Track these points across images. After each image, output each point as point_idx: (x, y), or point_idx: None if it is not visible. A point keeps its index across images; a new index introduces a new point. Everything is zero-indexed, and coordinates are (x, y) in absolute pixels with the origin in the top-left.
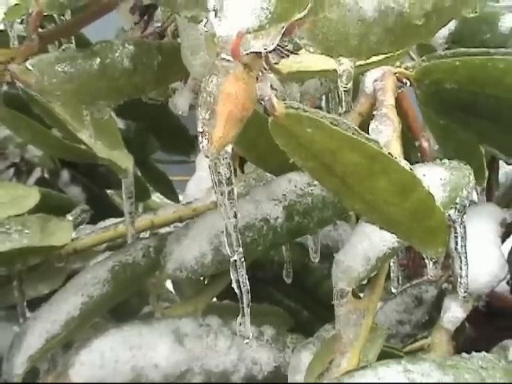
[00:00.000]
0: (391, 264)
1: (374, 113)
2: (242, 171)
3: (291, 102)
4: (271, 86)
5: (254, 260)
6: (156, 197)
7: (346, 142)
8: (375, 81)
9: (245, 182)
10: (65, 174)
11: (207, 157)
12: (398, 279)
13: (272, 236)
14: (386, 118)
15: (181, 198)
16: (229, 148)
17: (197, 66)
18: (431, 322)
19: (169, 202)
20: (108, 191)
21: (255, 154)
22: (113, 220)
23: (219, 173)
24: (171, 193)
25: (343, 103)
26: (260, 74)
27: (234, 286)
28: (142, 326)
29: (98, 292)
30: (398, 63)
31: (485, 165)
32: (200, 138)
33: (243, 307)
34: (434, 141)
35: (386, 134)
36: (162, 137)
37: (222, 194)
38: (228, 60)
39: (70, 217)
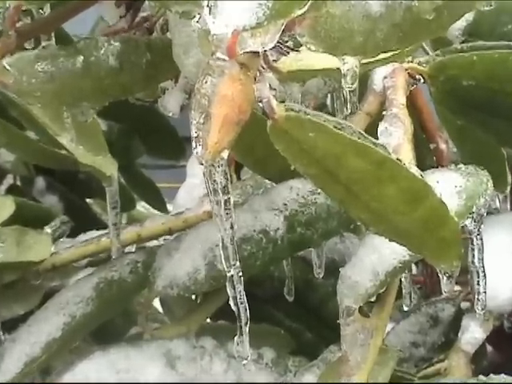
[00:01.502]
0: (403, 279)
1: (384, 113)
2: (238, 178)
3: (292, 104)
4: (270, 86)
5: (251, 276)
6: (141, 206)
7: (351, 146)
8: (385, 78)
9: (241, 189)
10: (40, 182)
11: (201, 163)
12: (411, 296)
13: (272, 249)
14: (396, 119)
15: (170, 207)
16: (225, 154)
17: (189, 66)
18: (448, 343)
19: (156, 212)
20: (87, 200)
21: (253, 159)
22: (94, 232)
23: (214, 181)
24: (159, 202)
25: (348, 104)
26: (258, 73)
27: (231, 303)
28: (130, 349)
29: (81, 311)
30: (409, 58)
31: (507, 169)
32: (194, 144)
33: (241, 326)
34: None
35: (396, 136)
36: (149, 139)
37: (217, 204)
38: (223, 59)
39: (48, 229)
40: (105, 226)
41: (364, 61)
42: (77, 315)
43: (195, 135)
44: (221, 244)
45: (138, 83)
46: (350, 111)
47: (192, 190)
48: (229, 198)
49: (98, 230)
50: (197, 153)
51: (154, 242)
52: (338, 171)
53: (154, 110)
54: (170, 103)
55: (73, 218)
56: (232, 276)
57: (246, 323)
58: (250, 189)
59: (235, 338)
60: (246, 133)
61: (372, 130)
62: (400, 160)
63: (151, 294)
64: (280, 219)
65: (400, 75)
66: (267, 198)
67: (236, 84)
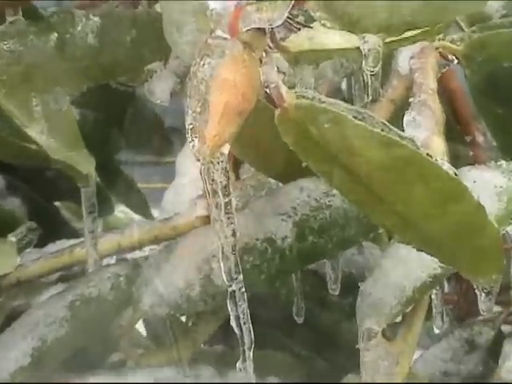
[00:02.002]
0: (433, 296)
1: (411, 100)
2: (237, 176)
3: (303, 91)
4: (278, 69)
5: (254, 293)
6: (120, 211)
7: (372, 140)
8: (412, 58)
9: (241, 190)
10: None
11: (198, 160)
12: (443, 317)
13: (278, 261)
14: (425, 107)
15: (154, 212)
16: (225, 149)
17: (183, 45)
18: (487, 373)
19: (138, 217)
20: (55, 203)
21: (256, 155)
22: (66, 242)
23: (213, 180)
24: (141, 206)
25: (370, 90)
26: (264, 54)
27: (233, 323)
28: (112, 377)
29: (53, 334)
30: (441, 35)
31: None
32: (189, 137)
33: (244, 350)
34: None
35: (425, 127)
36: (130, 131)
37: (216, 207)
38: (224, 38)
39: (12, 237)
40: (77, 234)
41: (388, 39)
42: (48, 339)
43: (191, 127)
44: (220, 254)
45: (121, 65)
46: (371, 98)
47: (182, 191)
48: (230, 201)
49: (68, 238)
50: (193, 147)
51: (138, 253)
52: (358, 169)
53: (138, 96)
54: (159, 88)
55: (39, 225)
56: (234, 292)
57: (251, 346)
58: (252, 190)
59: (237, 364)
60: (249, 124)
61: (397, 119)
62: (430, 155)
63: (136, 315)
64: (288, 225)
65: (430, 55)
66: (272, 200)
67: (238, 67)
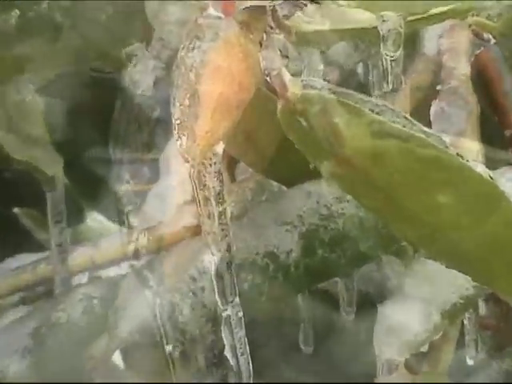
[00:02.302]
0: (465, 322)
1: (439, 87)
2: (233, 178)
3: (310, 79)
4: (281, 53)
5: (253, 318)
6: (92, 219)
7: (392, 138)
8: (440, 37)
9: (237, 195)
10: None
11: (187, 161)
12: (477, 345)
13: (282, 279)
14: (456, 96)
15: (135, 220)
16: (219, 148)
17: (168, 24)
18: None
19: (114, 226)
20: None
21: (254, 154)
22: (28, 256)
23: (205, 185)
24: (118, 212)
25: (390, 77)
26: (264, 36)
27: (228, 354)
28: None
29: (14, 367)
30: (474, 11)
31: None
32: (176, 133)
33: None
34: None
35: (456, 120)
36: (104, 125)
37: (209, 217)
38: (217, 17)
39: None
40: (41, 247)
41: (411, 17)
42: (9, 372)
43: (178, 122)
44: (213, 272)
45: (95, 48)
46: (391, 87)
47: (166, 195)
48: (225, 210)
49: (31, 252)
50: (180, 146)
51: (115, 270)
52: (376, 171)
53: (112, 83)
54: (140, 75)
55: None
56: (229, 317)
57: (249, 382)
58: (250, 194)
59: None
60: (246, 117)
61: (423, 110)
62: (461, 155)
63: (112, 343)
64: (293, 237)
65: (461, 34)
66: (275, 207)
67: (234, 51)
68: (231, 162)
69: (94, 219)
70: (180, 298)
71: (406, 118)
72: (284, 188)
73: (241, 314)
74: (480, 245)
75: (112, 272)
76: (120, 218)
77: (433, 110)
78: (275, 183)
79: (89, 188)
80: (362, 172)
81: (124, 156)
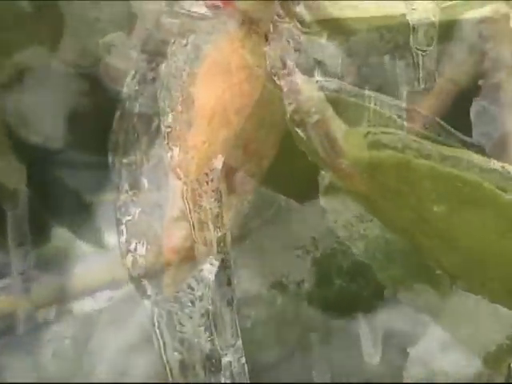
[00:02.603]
0: None
1: (481, 82)
2: (232, 189)
3: (327, 79)
4: (290, 43)
5: (259, 363)
6: (60, 239)
7: (388, 148)
8: (482, 22)
9: (237, 211)
10: None
11: (179, 178)
12: None
13: (293, 315)
14: (501, 93)
15: (110, 240)
16: (218, 162)
17: (154, 13)
18: None
19: (87, 248)
20: None
21: (258, 164)
22: None
23: (200, 207)
24: (91, 230)
25: (421, 72)
26: (271, 28)
27: None
28: None
29: None
30: None
31: None
32: (166, 144)
33: None
34: None
35: (501, 121)
36: (76, 126)
37: (205, 244)
38: (215, 6)
39: None
40: (2, 274)
41: (446, 3)
42: None
43: (168, 130)
44: (210, 309)
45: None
46: (423, 85)
47: (152, 209)
48: (224, 236)
49: None
50: (172, 159)
51: (89, 304)
52: (404, 187)
53: (90, 78)
54: (119, 70)
55: None
56: (230, 363)
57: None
58: (253, 210)
59: None
60: (249, 122)
61: (462, 108)
62: (507, 169)
63: None
64: (306, 264)
65: (506, 19)
66: (283, 227)
67: (235, 46)
68: (230, 170)
69: (62, 238)
70: (170, 339)
71: (440, 124)
72: (294, 203)
73: (243, 359)
74: None
75: (86, 305)
76: (92, 236)
77: (473, 109)
78: (283, 197)
79: (55, 201)
80: (387, 187)
81: (99, 160)
